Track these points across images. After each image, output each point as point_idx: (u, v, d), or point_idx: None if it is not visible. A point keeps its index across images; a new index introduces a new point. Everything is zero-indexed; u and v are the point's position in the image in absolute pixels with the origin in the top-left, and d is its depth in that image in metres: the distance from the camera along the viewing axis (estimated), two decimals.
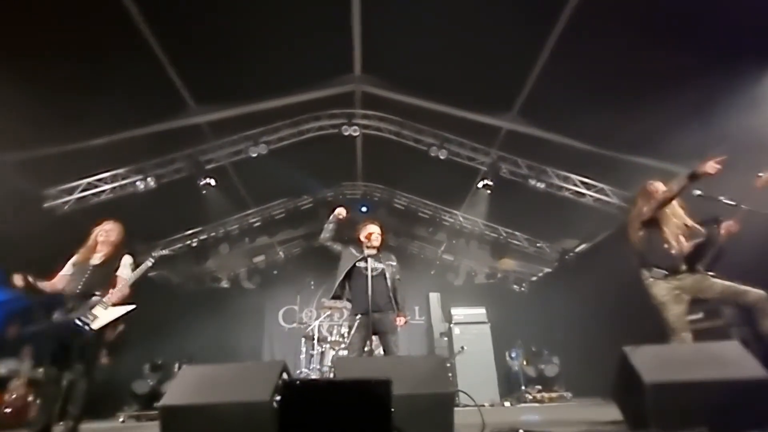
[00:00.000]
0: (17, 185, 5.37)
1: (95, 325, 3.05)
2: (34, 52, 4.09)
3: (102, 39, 4.32)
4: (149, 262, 3.47)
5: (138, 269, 3.39)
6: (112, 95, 4.71)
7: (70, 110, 4.73)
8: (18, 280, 3.07)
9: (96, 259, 3.32)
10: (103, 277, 3.25)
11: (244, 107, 5.83)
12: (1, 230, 3.63)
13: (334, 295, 3.83)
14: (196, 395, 2.31)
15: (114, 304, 3.16)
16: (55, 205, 5.98)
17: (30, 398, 5.07)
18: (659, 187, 3.17)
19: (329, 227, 3.87)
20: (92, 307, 3.11)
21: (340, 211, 3.86)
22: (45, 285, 3.19)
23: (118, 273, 3.31)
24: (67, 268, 3.30)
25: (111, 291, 3.20)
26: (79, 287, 3.15)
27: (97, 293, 3.17)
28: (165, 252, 3.30)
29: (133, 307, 3.23)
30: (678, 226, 3.08)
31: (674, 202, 3.09)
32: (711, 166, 2.72)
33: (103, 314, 3.11)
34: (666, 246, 3.02)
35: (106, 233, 3.38)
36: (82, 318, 3.04)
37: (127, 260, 3.41)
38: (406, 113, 6.48)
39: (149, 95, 5.11)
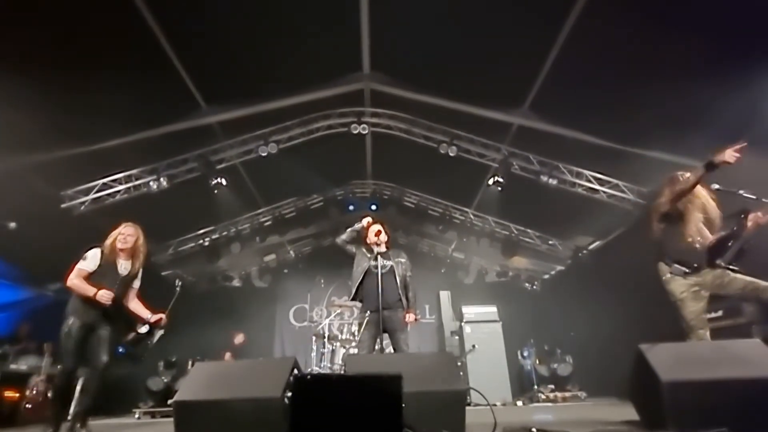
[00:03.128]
0: (36, 186, 5.50)
1: None
2: (51, 57, 4.17)
3: (115, 42, 4.38)
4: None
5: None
6: (124, 97, 4.78)
7: (85, 113, 4.82)
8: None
9: (123, 268, 3.27)
10: (127, 287, 3.33)
11: (254, 107, 5.87)
12: (21, 230, 3.71)
13: (353, 297, 3.91)
14: (208, 391, 2.33)
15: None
16: (72, 205, 6.12)
17: (50, 394, 5.17)
18: (687, 177, 2.96)
19: (352, 232, 3.99)
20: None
21: (369, 221, 4.00)
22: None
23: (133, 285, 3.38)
24: (91, 265, 3.15)
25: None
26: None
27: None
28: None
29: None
30: (703, 221, 2.91)
31: (706, 196, 2.93)
32: (729, 155, 2.56)
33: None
34: (690, 240, 2.87)
35: (125, 238, 3.28)
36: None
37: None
38: (416, 110, 6.44)
39: (161, 96, 5.18)
